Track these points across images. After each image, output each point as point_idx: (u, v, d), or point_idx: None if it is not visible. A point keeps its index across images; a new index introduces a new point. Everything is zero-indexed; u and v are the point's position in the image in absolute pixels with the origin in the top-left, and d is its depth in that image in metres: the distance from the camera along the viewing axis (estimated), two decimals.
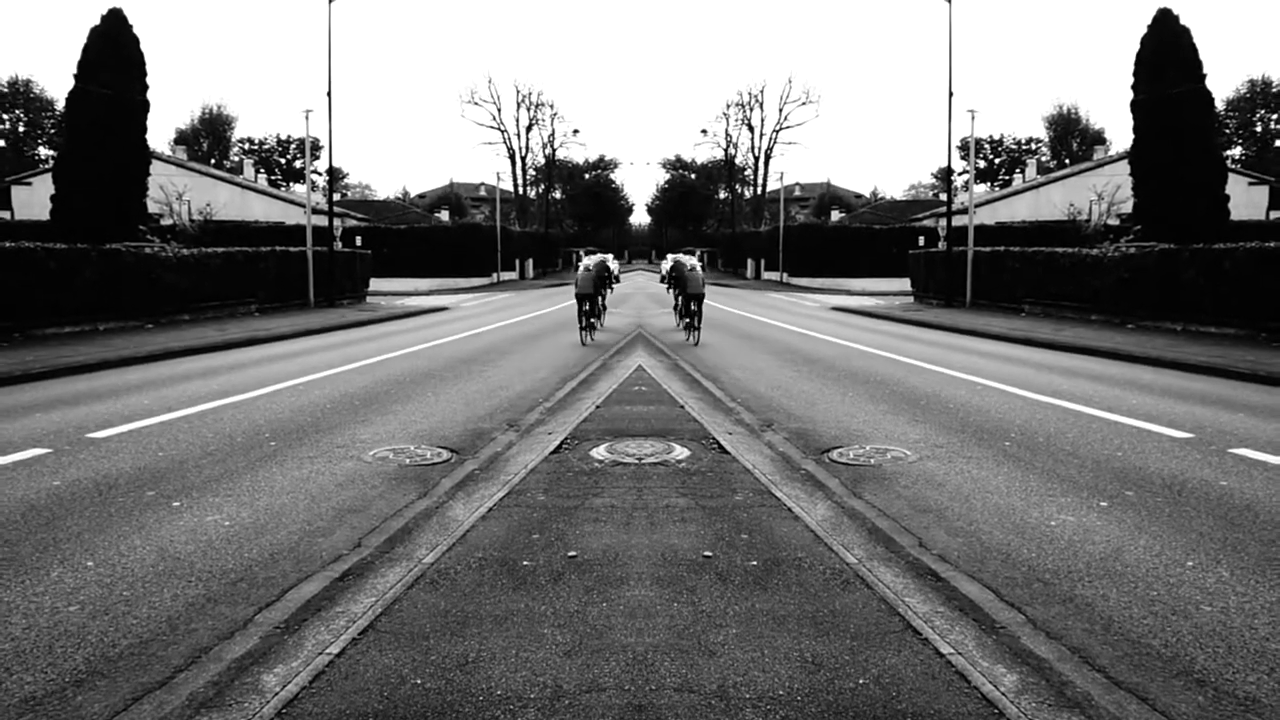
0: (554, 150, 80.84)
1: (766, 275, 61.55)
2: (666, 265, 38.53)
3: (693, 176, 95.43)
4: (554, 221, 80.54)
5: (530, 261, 65.73)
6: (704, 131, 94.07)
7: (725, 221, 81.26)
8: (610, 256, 23.69)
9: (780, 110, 75.51)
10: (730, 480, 6.90)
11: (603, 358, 15.17)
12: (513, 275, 60.44)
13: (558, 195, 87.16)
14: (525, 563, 5.05)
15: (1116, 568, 5.05)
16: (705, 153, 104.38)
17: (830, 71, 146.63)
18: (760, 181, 79.23)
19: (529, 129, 77.22)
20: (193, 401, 10.74)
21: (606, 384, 11.83)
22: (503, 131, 76.17)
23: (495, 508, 6.14)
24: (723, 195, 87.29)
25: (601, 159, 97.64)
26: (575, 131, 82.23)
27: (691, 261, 19.28)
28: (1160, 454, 7.85)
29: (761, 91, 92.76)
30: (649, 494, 6.51)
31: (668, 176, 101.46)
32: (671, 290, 22.27)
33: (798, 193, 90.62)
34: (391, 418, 9.69)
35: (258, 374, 13.40)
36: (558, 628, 4.17)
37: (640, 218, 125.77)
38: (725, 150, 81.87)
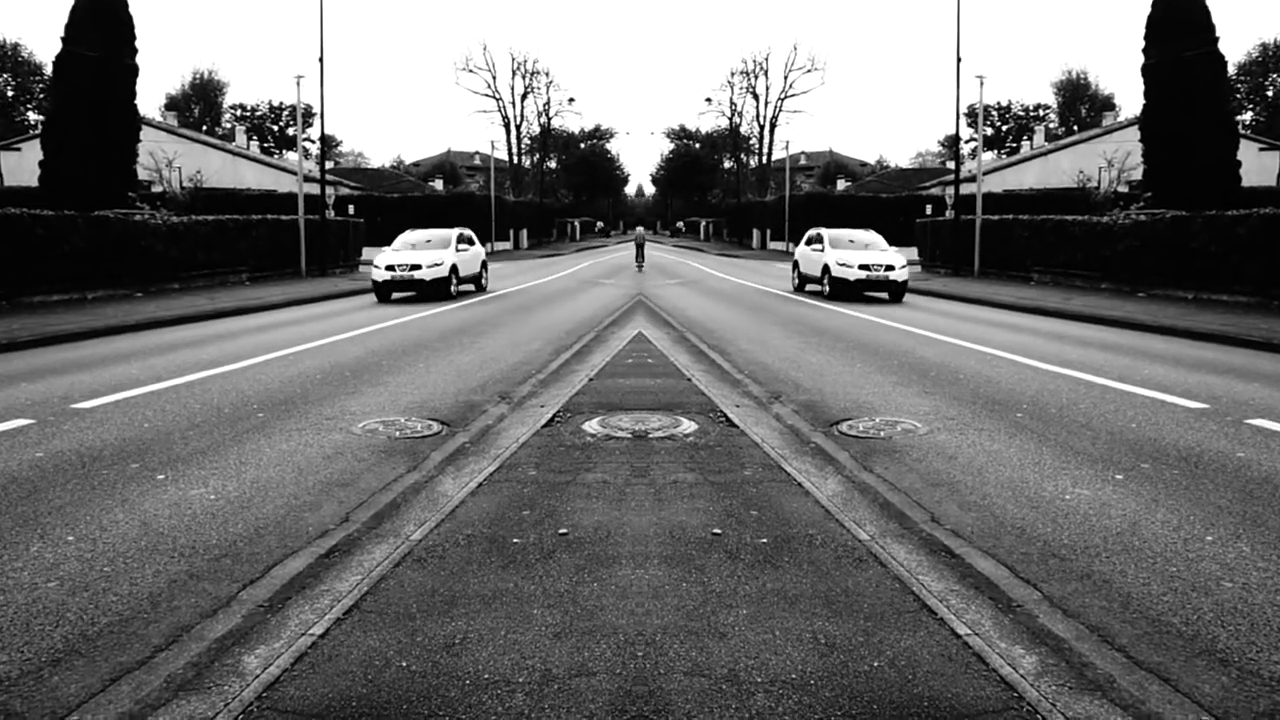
0: (549, 119, 79.90)
1: (772, 245, 60.65)
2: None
3: (697, 146, 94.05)
4: (549, 191, 79.88)
5: (525, 231, 65.26)
6: (708, 100, 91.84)
7: (730, 191, 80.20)
8: (646, 231, 32.34)
9: (785, 78, 74.18)
10: (739, 454, 6.75)
11: (596, 330, 15.02)
12: (507, 245, 60.05)
13: (553, 165, 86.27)
14: (515, 540, 4.95)
15: (1134, 542, 4.92)
16: (710, 122, 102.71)
17: (836, 38, 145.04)
18: (765, 150, 78.08)
19: (524, 97, 76.26)
20: (181, 371, 10.59)
21: (600, 356, 11.71)
22: (498, 99, 75.26)
23: (485, 483, 6.03)
24: (728, 165, 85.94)
25: (597, 128, 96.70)
26: (571, 100, 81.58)
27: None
28: (1175, 425, 7.71)
29: (766, 59, 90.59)
30: (655, 470, 6.33)
31: (672, 146, 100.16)
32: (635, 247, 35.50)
33: (803, 161, 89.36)
34: (382, 389, 9.57)
35: (247, 344, 13.25)
36: (548, 608, 4.07)
37: (636, 187, 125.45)
38: (730, 119, 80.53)
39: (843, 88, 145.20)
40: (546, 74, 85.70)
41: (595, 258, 48.61)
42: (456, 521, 5.26)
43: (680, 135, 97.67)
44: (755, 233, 66.31)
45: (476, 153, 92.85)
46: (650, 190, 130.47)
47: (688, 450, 6.89)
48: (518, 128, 76.63)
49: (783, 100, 74.56)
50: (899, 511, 5.49)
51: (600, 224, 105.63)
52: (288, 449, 7.03)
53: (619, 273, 33.99)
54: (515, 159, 77.04)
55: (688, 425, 7.68)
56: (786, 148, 68.92)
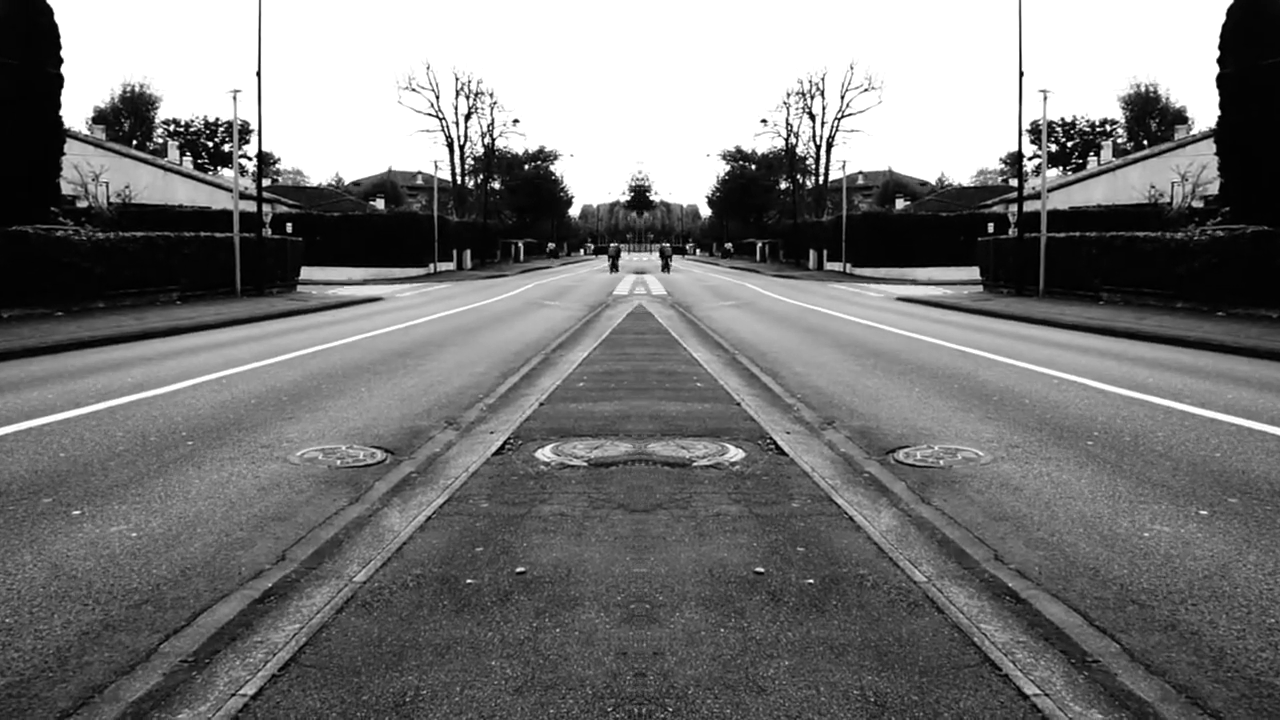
0: (493, 140, 79.30)
1: (829, 266, 59.16)
2: None
3: (753, 167, 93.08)
4: (493, 212, 79.17)
5: (468, 252, 64.51)
6: (764, 121, 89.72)
7: (786, 212, 79.22)
8: (620, 245, 36.10)
9: (842, 98, 72.55)
10: (787, 485, 6.33)
11: (579, 326, 14.69)
12: (450, 266, 59.21)
13: (497, 186, 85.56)
14: (469, 581, 4.59)
15: (1224, 588, 4.50)
16: (766, 143, 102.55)
17: (894, 56, 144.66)
18: (822, 171, 77.17)
19: (468, 117, 75.54)
20: (102, 396, 9.96)
21: (550, 380, 11.37)
22: (441, 119, 74.41)
23: (434, 516, 5.66)
24: (784, 186, 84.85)
25: (541, 150, 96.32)
26: (515, 121, 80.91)
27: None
28: (1266, 455, 7.19)
29: (823, 79, 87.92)
30: (697, 501, 5.94)
31: (727, 168, 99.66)
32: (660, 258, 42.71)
33: (861, 181, 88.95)
34: (321, 415, 9.09)
35: (177, 366, 12.59)
36: (507, 659, 3.73)
37: (577, 210, 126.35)
38: (786, 140, 78.65)
39: (901, 106, 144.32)
40: (490, 95, 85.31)
41: (538, 279, 48.08)
42: (404, 560, 4.89)
43: (736, 157, 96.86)
44: (812, 254, 64.73)
45: (419, 172, 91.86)
46: (706, 212, 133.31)
47: (733, 480, 6.46)
48: (461, 148, 75.93)
49: (839, 120, 73.52)
50: (959, 549, 5.10)
51: (551, 245, 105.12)
52: (219, 480, 6.56)
53: (564, 294, 33.64)
54: (459, 179, 76.28)
55: (734, 453, 7.25)
56: (844, 168, 67.05)
